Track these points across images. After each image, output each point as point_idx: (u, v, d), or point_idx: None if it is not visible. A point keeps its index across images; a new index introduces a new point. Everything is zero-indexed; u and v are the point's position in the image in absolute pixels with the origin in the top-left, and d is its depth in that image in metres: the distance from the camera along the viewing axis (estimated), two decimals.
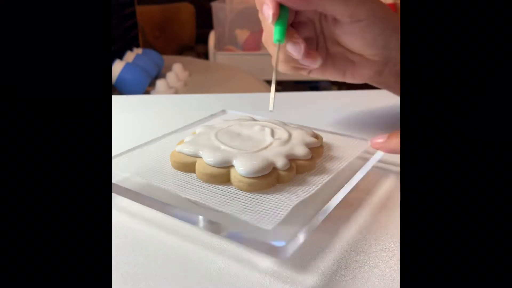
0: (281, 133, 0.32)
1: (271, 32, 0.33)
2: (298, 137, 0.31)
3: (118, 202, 0.29)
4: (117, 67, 1.22)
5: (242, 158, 0.27)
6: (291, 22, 0.34)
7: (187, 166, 0.29)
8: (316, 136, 0.33)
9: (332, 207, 0.25)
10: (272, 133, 0.32)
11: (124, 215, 0.28)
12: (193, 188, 0.27)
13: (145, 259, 0.24)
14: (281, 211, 0.24)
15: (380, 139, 0.31)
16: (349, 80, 0.38)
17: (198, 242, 0.25)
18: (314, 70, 0.37)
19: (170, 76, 1.37)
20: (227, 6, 1.93)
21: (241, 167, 0.26)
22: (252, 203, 0.25)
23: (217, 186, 0.27)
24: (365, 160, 0.31)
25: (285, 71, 0.37)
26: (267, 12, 0.31)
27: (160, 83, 1.29)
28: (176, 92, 1.32)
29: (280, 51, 0.34)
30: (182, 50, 2.52)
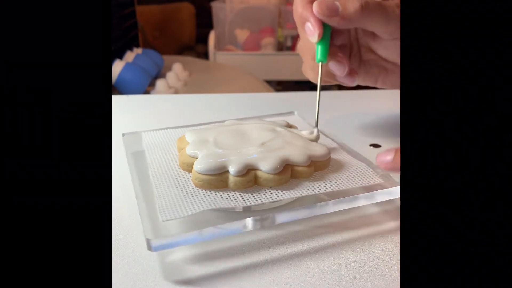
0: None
1: (307, 42, 0.33)
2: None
3: (118, 202, 0.29)
4: (117, 67, 1.22)
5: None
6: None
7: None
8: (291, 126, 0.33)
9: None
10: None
11: (124, 215, 0.28)
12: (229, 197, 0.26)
13: (145, 259, 0.24)
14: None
15: (387, 156, 0.30)
16: (380, 86, 0.38)
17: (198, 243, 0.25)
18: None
19: (170, 76, 1.37)
20: (227, 6, 1.93)
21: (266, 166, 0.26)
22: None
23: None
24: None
25: (316, 81, 0.35)
26: (311, 31, 0.31)
27: (160, 83, 1.29)
28: (176, 92, 1.32)
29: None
30: (182, 50, 2.52)
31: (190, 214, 0.23)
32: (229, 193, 0.26)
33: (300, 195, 0.25)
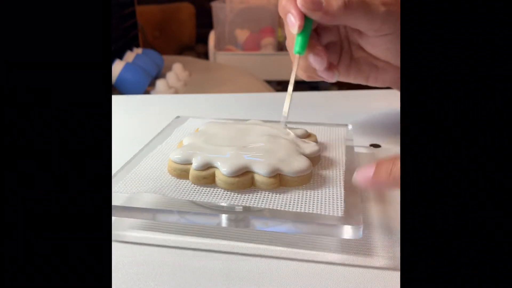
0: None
1: (291, 35, 0.33)
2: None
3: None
4: (117, 67, 1.22)
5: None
6: (315, 27, 0.34)
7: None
8: (309, 135, 0.32)
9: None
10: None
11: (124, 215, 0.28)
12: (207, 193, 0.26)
13: (145, 259, 0.24)
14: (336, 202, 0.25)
15: (367, 173, 0.24)
16: (372, 83, 0.38)
17: (198, 242, 0.25)
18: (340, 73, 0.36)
19: (170, 76, 1.37)
20: (227, 6, 1.93)
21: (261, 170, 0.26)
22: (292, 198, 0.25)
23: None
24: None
25: (302, 78, 0.36)
26: (292, 22, 0.31)
27: (160, 83, 1.29)
28: (176, 92, 1.32)
29: (301, 59, 0.33)
30: (182, 50, 2.52)
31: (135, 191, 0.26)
32: (194, 187, 0.26)
33: (238, 204, 0.25)
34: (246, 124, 0.33)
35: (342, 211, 0.24)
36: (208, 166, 0.27)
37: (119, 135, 0.42)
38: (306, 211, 0.24)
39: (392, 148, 0.38)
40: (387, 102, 0.51)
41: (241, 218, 0.24)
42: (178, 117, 0.39)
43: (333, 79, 0.34)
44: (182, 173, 0.27)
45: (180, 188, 0.26)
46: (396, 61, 0.35)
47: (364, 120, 0.45)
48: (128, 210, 0.25)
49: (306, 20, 0.31)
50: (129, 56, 1.37)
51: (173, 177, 0.27)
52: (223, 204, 0.25)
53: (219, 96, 0.57)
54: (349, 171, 0.28)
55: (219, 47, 1.94)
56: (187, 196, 0.25)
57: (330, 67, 0.34)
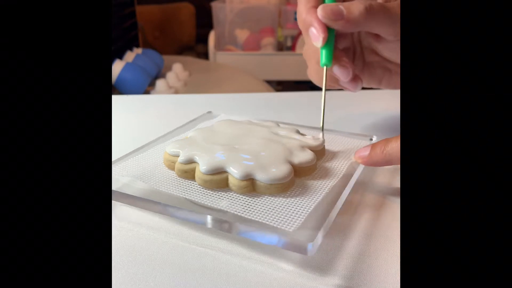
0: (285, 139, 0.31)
1: (312, 46, 0.33)
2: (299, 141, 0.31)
3: (118, 203, 0.29)
4: (117, 67, 1.22)
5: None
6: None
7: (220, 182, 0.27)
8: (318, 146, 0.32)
9: (339, 208, 0.25)
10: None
11: (124, 216, 0.28)
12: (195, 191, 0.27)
13: (145, 259, 0.24)
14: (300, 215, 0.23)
15: (364, 152, 0.29)
16: (384, 87, 0.38)
17: (198, 242, 0.25)
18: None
19: (170, 76, 1.37)
20: (227, 6, 1.93)
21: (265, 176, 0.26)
22: (268, 206, 0.25)
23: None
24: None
25: (320, 85, 0.35)
26: (316, 36, 0.31)
27: (160, 83, 1.29)
28: (176, 92, 1.32)
29: (323, 70, 0.33)
30: (182, 50, 2.52)
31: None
32: (191, 184, 0.27)
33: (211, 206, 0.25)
34: (256, 125, 0.33)
35: (297, 226, 0.22)
36: (191, 161, 0.28)
37: (119, 135, 0.42)
38: (256, 219, 0.23)
39: None
40: (387, 102, 0.51)
41: (224, 220, 0.24)
42: (209, 112, 0.41)
43: (357, 89, 0.34)
44: (171, 164, 0.29)
45: (164, 180, 0.28)
46: None
47: (364, 120, 0.45)
48: (115, 194, 0.26)
49: (329, 31, 0.31)
50: (129, 56, 1.37)
51: (165, 169, 0.29)
52: (190, 198, 0.26)
53: (219, 96, 0.57)
54: (342, 182, 0.28)
55: (219, 47, 1.94)
56: (167, 188, 0.27)
57: (355, 77, 0.33)
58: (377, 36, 0.34)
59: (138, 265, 0.23)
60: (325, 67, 0.32)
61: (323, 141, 0.31)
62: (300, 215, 0.24)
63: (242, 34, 1.93)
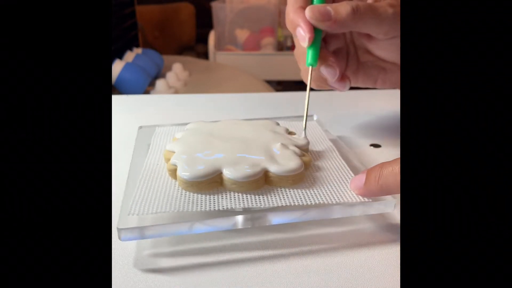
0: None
1: (301, 47, 0.33)
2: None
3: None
4: (117, 67, 1.22)
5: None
6: (323, 36, 0.34)
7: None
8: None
9: None
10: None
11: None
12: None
13: (145, 259, 0.24)
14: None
15: (359, 181, 0.26)
16: (380, 86, 0.38)
17: (198, 242, 0.25)
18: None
19: (170, 76, 1.37)
20: (227, 6, 1.93)
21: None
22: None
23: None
24: None
25: (312, 87, 0.36)
26: (302, 35, 0.31)
27: (160, 83, 1.29)
28: (176, 92, 1.32)
29: (312, 70, 0.33)
30: (182, 50, 2.52)
31: (154, 212, 0.24)
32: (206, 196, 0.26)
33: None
34: (247, 125, 0.33)
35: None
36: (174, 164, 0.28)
37: (119, 135, 0.42)
38: (330, 202, 0.25)
39: (392, 148, 0.38)
40: (387, 102, 0.51)
41: (258, 217, 0.24)
42: (141, 127, 0.38)
43: (345, 89, 0.34)
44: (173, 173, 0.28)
45: (182, 200, 0.26)
46: None
47: (364, 120, 0.45)
48: (155, 228, 0.24)
49: (315, 31, 0.31)
50: (129, 56, 1.37)
51: (172, 190, 0.27)
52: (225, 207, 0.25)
53: (219, 96, 0.57)
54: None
55: (219, 47, 1.94)
56: (192, 207, 0.25)
57: (342, 77, 0.34)
58: (368, 36, 0.34)
59: (138, 265, 0.23)
60: (310, 67, 0.32)
61: (308, 142, 0.31)
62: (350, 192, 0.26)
63: (242, 34, 1.94)
